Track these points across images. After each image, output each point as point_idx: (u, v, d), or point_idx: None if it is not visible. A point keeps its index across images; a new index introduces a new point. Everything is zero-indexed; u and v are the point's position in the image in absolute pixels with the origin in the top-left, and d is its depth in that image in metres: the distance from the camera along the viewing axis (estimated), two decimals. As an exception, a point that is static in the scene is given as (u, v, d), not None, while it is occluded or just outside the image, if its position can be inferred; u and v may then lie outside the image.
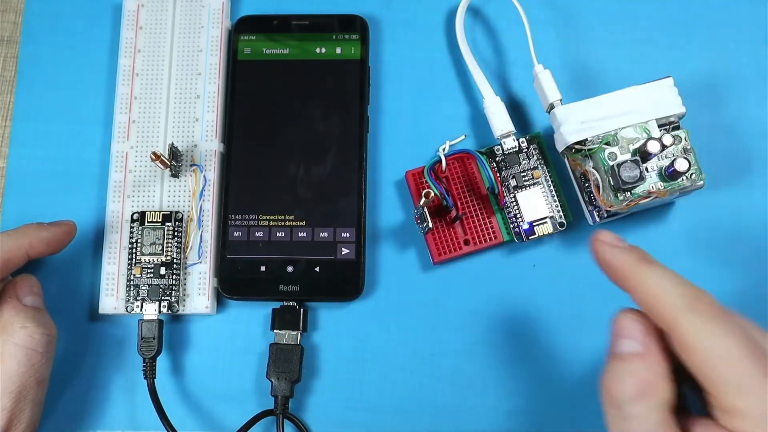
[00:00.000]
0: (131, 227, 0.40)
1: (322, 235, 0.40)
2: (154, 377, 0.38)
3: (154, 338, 0.38)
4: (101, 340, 0.40)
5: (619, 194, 0.36)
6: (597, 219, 0.38)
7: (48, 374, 0.36)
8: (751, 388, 0.26)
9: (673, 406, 0.28)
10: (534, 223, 0.39)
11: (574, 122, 0.36)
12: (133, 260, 0.39)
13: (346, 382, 0.39)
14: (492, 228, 0.40)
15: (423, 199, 0.36)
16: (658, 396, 0.28)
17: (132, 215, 0.40)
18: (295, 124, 0.41)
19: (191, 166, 0.41)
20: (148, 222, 0.40)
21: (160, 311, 0.39)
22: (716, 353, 0.27)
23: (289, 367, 0.38)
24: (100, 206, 0.41)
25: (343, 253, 0.40)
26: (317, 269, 0.39)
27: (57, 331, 0.36)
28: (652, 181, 0.36)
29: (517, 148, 0.40)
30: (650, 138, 0.35)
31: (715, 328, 0.27)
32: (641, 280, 0.29)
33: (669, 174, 0.36)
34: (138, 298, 0.39)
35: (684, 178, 0.36)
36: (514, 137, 0.40)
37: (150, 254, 0.39)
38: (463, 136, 0.42)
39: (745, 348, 0.26)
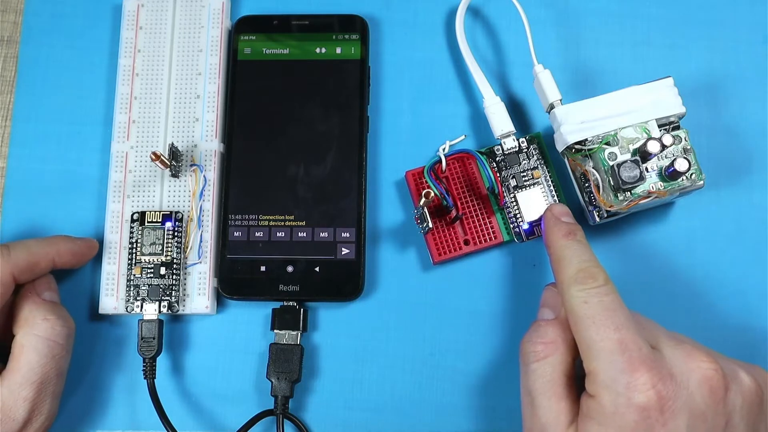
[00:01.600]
0: (131, 227, 0.40)
1: (322, 235, 0.40)
2: (154, 377, 0.38)
3: (154, 338, 0.38)
4: (101, 340, 0.40)
5: (619, 194, 0.36)
6: (597, 219, 0.38)
7: (67, 367, 0.37)
8: (600, 352, 0.29)
9: (571, 372, 0.32)
10: (534, 223, 0.39)
11: (574, 122, 0.36)
12: (133, 260, 0.39)
13: (346, 382, 0.39)
14: (492, 228, 0.40)
15: (423, 199, 0.36)
16: (556, 356, 0.32)
17: (132, 215, 0.40)
18: (295, 124, 0.41)
19: (191, 166, 0.41)
20: (148, 222, 0.40)
21: (160, 311, 0.39)
22: (581, 318, 0.30)
23: (289, 367, 0.38)
24: (100, 206, 0.41)
25: (343, 253, 0.40)
26: (317, 269, 0.39)
27: (75, 325, 0.37)
28: (652, 181, 0.36)
29: (517, 148, 0.40)
30: (650, 138, 0.35)
31: (589, 297, 0.31)
32: (556, 249, 0.34)
33: (669, 174, 0.36)
34: (138, 298, 0.39)
35: (684, 178, 0.36)
36: (514, 137, 0.40)
37: (150, 254, 0.39)
38: (463, 136, 0.42)
39: (607, 317, 0.30)
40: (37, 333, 0.35)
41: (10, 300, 0.36)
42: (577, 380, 0.32)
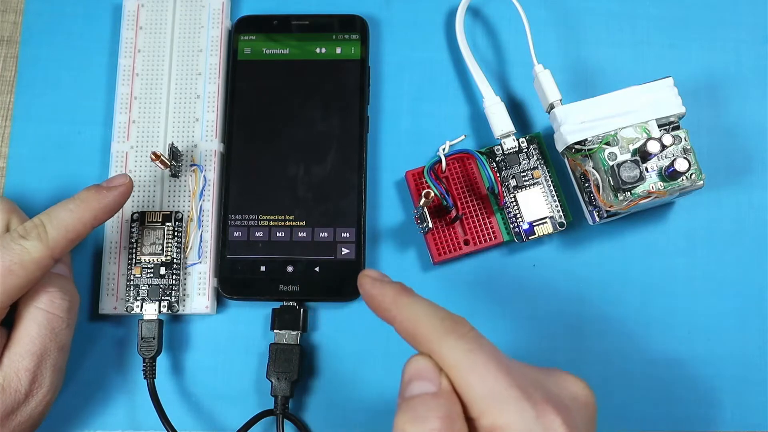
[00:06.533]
0: (131, 227, 0.40)
1: (322, 235, 0.40)
2: (154, 377, 0.38)
3: (154, 338, 0.38)
4: (101, 340, 0.40)
5: (619, 194, 0.36)
6: (597, 219, 0.38)
7: (69, 341, 0.36)
8: (507, 403, 0.26)
9: None
10: (534, 223, 0.39)
11: (574, 122, 0.36)
12: (133, 260, 0.39)
13: (346, 382, 0.39)
14: (492, 228, 0.40)
15: (423, 199, 0.36)
16: None
17: (132, 215, 0.40)
18: (295, 124, 0.41)
19: (191, 166, 0.41)
20: (148, 222, 0.40)
21: (160, 311, 0.39)
22: (473, 369, 0.27)
23: (288, 367, 0.38)
24: (100, 206, 0.41)
25: (343, 253, 0.40)
26: (317, 269, 0.39)
27: (80, 298, 0.37)
28: (652, 181, 0.36)
29: (517, 148, 0.40)
30: (650, 138, 0.35)
31: (471, 345, 0.27)
32: (401, 309, 0.29)
33: (669, 174, 0.36)
34: (138, 298, 0.39)
35: (684, 178, 0.36)
36: (514, 137, 0.40)
37: (150, 254, 0.39)
38: (463, 136, 0.42)
39: (497, 362, 0.27)
40: (36, 305, 0.35)
41: None
42: None
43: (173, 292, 0.39)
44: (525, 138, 0.40)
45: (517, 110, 0.42)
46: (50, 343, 0.35)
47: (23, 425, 0.34)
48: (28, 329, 0.34)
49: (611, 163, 0.36)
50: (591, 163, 0.37)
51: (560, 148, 0.37)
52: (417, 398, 0.27)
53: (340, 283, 0.39)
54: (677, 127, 0.37)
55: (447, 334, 0.27)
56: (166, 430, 0.37)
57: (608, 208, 0.37)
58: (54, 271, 0.36)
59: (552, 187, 0.40)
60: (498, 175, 0.40)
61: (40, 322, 0.34)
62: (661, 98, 0.37)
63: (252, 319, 0.40)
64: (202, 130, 0.41)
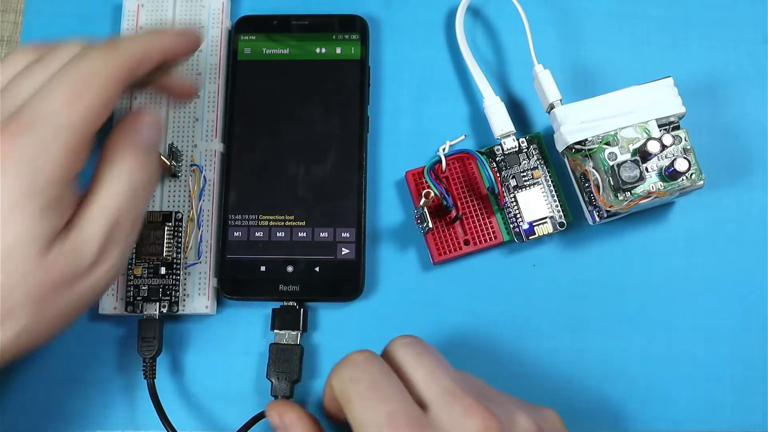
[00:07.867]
0: (131, 227, 0.40)
1: (322, 235, 0.40)
2: (154, 377, 0.38)
3: (154, 338, 0.38)
4: (101, 340, 0.40)
5: (619, 194, 0.36)
6: (597, 219, 0.38)
7: (141, 218, 0.34)
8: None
9: None
10: (534, 223, 0.39)
11: (574, 122, 0.36)
12: (133, 260, 0.39)
13: (346, 382, 0.39)
14: (492, 228, 0.40)
15: (423, 199, 0.36)
16: None
17: (132, 215, 0.40)
18: (295, 124, 0.41)
19: (191, 166, 0.41)
20: (148, 222, 0.40)
21: (160, 311, 0.39)
22: (353, 398, 0.30)
23: (289, 367, 0.38)
24: (100, 206, 0.41)
25: (343, 253, 0.40)
26: (317, 269, 0.39)
27: (158, 178, 0.35)
28: (652, 181, 0.36)
29: (517, 148, 0.40)
30: (650, 138, 0.35)
31: (360, 375, 0.30)
32: (331, 381, 0.32)
33: (669, 174, 0.36)
34: (138, 298, 0.39)
35: (684, 178, 0.36)
36: (514, 137, 0.40)
37: (150, 254, 0.39)
38: (463, 136, 0.42)
39: (378, 392, 0.29)
40: (120, 170, 0.32)
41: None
42: None
43: (173, 292, 0.39)
44: (525, 138, 0.40)
45: (517, 110, 0.42)
46: (125, 214, 0.32)
47: (80, 301, 0.31)
48: (110, 191, 0.32)
49: (611, 163, 0.36)
50: (591, 163, 0.37)
51: (560, 148, 0.37)
52: None
53: (340, 283, 0.39)
54: (677, 127, 0.37)
55: (339, 368, 0.31)
56: (166, 430, 0.37)
57: (608, 208, 0.37)
58: (144, 139, 0.34)
59: (552, 187, 0.40)
60: (498, 175, 0.40)
61: (119, 191, 0.32)
62: (661, 98, 0.37)
63: (252, 319, 0.40)
64: (202, 130, 0.41)
